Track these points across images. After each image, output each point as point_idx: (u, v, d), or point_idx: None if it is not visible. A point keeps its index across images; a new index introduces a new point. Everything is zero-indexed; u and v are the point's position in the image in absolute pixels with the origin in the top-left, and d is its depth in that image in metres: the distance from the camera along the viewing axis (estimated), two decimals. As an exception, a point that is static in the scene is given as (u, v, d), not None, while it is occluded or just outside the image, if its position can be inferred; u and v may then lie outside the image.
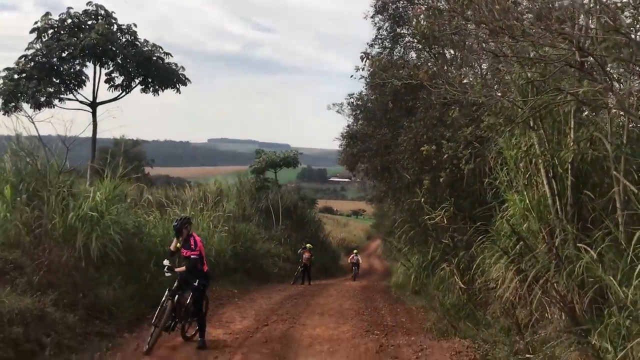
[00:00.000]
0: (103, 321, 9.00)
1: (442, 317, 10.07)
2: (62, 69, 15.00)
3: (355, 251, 33.89)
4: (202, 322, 8.56)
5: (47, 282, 8.74)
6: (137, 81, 16.32)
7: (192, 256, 8.47)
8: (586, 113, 8.44)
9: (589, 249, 6.88)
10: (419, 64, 9.83)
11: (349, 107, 18.80)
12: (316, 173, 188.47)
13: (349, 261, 32.68)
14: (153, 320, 8.14)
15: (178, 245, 8.73)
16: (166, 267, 8.54)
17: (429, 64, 10.66)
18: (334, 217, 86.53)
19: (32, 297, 7.97)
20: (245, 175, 32.65)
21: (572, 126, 8.09)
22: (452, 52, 13.80)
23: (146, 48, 15.99)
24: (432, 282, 13.60)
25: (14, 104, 14.03)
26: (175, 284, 8.42)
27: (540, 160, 8.44)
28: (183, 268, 8.53)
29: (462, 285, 11.60)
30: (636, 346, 5.26)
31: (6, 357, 6.52)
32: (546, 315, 7.81)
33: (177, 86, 16.50)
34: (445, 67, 12.78)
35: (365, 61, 10.33)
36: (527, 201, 8.76)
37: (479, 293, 10.68)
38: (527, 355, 6.74)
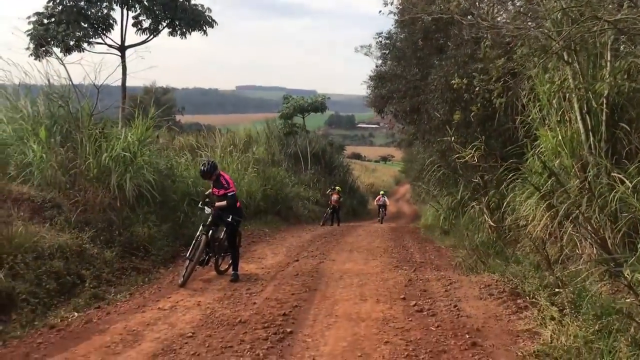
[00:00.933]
0: (139, 257, 9.31)
1: (471, 254, 10.11)
2: (89, 12, 14.90)
3: (382, 192, 32.60)
4: (235, 256, 8.78)
5: (84, 220, 9.03)
6: (164, 24, 16.15)
7: (229, 193, 8.63)
8: (624, 46, 8.15)
9: (624, 179, 6.78)
10: (450, -2, 9.51)
11: (378, 47, 18.48)
12: (344, 119, 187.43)
13: (375, 203, 31.57)
14: (188, 254, 8.37)
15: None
16: (203, 202, 8.75)
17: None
18: (362, 163, 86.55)
19: (71, 233, 8.26)
20: (273, 121, 32.69)
21: (608, 59, 7.84)
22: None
23: (172, -11, 15.77)
24: (462, 222, 13.60)
25: (44, 48, 14.08)
26: (209, 220, 8.60)
27: (574, 95, 8.24)
28: (224, 203, 8.63)
29: (492, 224, 11.56)
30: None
31: (50, 287, 6.83)
32: (577, 250, 7.77)
33: (204, 28, 16.25)
34: (477, 3, 12.43)
35: (395, -5, 10.06)
36: (560, 137, 8.61)
37: (509, 231, 10.66)
38: (557, 290, 6.74)
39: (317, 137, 37.68)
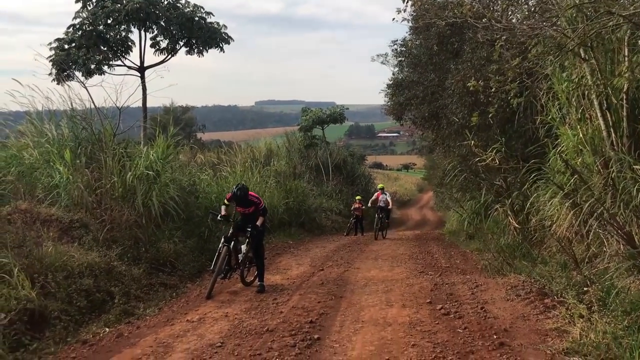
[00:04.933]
0: (166, 273, 9.42)
1: (497, 257, 10.06)
2: (108, 35, 15.26)
3: (380, 186, 21.88)
4: (261, 267, 8.86)
5: (111, 238, 9.17)
6: (181, 43, 16.48)
7: (261, 207, 8.88)
8: (641, 39, 8.08)
9: (647, 174, 6.71)
10: (462, 2, 9.52)
11: (393, 55, 18.52)
12: (364, 129, 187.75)
13: (370, 204, 20.66)
14: (211, 268, 8.48)
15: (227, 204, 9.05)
16: (219, 215, 8.87)
17: (473, 3, 10.35)
18: (384, 172, 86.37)
19: (99, 252, 8.39)
20: (293, 134, 32.86)
21: (626, 54, 7.78)
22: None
23: (188, 9, 16.04)
24: (486, 225, 13.53)
25: (66, 72, 14.44)
26: (230, 232, 8.69)
27: (593, 92, 8.18)
28: (261, 219, 8.81)
29: (517, 226, 11.50)
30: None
31: (80, 305, 6.93)
32: (603, 248, 7.68)
33: (221, 45, 16.55)
34: (491, 5, 12.42)
35: (407, 1, 10.09)
36: (581, 135, 8.55)
37: (534, 232, 10.58)
38: (585, 288, 6.68)
39: (338, 148, 37.74)
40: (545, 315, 6.38)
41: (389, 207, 19.86)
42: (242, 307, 7.53)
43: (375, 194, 20.32)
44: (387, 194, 20.29)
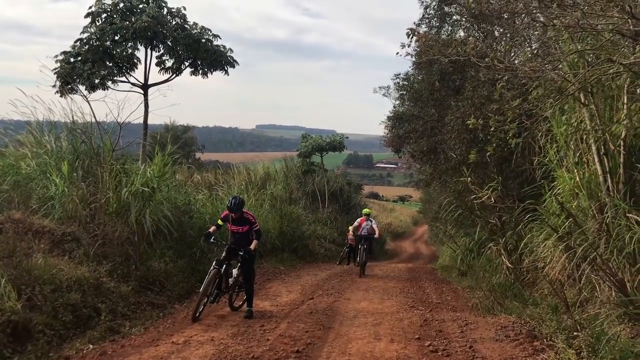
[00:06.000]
0: (154, 292, 9.35)
1: (488, 296, 10.02)
2: (115, 52, 15.31)
3: (365, 211, 18.35)
4: (250, 292, 8.78)
5: (102, 253, 9.11)
6: (186, 64, 16.57)
7: (255, 228, 8.77)
8: (640, 88, 8.17)
9: (640, 221, 6.73)
10: (466, 41, 9.69)
11: (395, 88, 18.72)
12: (362, 159, 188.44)
13: (351, 232, 19.11)
14: (201, 290, 8.40)
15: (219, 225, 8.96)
16: (212, 238, 8.76)
17: (477, 42, 10.49)
18: (380, 202, 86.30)
19: (88, 267, 8.33)
20: (292, 160, 32.91)
21: (625, 101, 7.87)
22: (500, 30, 13.56)
23: (195, 31, 16.15)
24: (479, 263, 13.49)
25: (70, 85, 14.48)
26: (223, 255, 8.63)
27: (591, 137, 8.25)
28: (255, 242, 8.71)
29: (510, 265, 11.47)
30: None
31: (66, 320, 6.88)
32: (595, 293, 7.67)
33: (226, 68, 16.64)
34: (494, 45, 12.59)
35: (412, 37, 10.22)
36: (577, 179, 8.60)
37: (527, 272, 10.56)
38: (575, 333, 6.64)
39: (335, 176, 37.69)
40: (533, 358, 6.32)
41: (374, 236, 16.69)
42: (228, 332, 7.45)
43: (358, 220, 17.28)
44: (373, 221, 17.12)
